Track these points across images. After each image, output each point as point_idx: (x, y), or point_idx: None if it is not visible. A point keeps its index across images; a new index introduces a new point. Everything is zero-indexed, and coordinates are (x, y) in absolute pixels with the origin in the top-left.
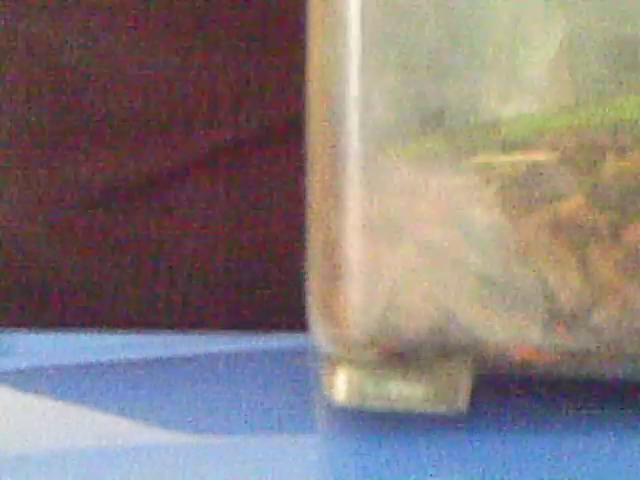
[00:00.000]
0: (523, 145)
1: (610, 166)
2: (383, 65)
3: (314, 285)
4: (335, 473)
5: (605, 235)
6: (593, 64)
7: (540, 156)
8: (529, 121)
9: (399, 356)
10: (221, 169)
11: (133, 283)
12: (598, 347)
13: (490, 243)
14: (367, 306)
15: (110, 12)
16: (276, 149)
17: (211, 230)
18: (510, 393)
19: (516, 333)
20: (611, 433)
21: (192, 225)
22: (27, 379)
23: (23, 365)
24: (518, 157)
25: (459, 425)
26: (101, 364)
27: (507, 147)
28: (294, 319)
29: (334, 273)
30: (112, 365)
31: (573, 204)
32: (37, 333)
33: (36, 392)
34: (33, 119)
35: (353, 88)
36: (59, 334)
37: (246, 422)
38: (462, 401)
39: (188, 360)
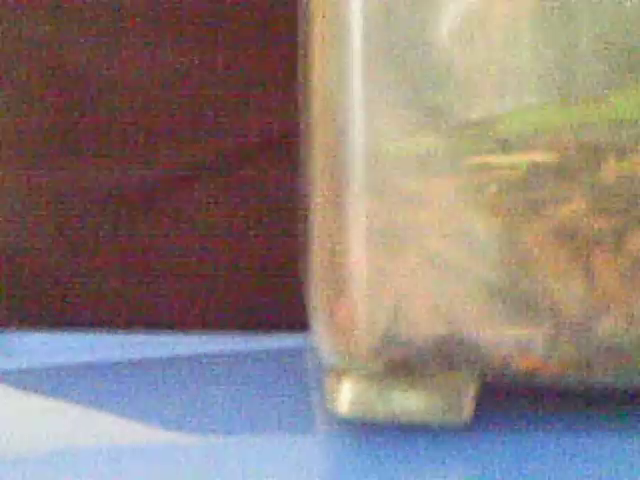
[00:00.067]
0: (522, 144)
1: (611, 169)
2: (385, 77)
3: (318, 297)
4: (335, 473)
5: (608, 243)
6: (593, 63)
7: (539, 157)
8: (528, 119)
9: (404, 367)
10: (224, 175)
11: (133, 283)
12: (602, 357)
13: (493, 253)
14: (372, 318)
15: (118, 18)
16: (279, 156)
17: (213, 233)
18: (514, 403)
19: (520, 344)
20: (615, 444)
21: (195, 228)
22: (27, 379)
23: (23, 365)
24: (517, 158)
25: (462, 434)
26: (101, 364)
27: (506, 147)
28: (294, 319)
29: (339, 285)
30: (112, 365)
31: (574, 208)
32: (37, 333)
33: (36, 392)
34: (38, 125)
35: (356, 101)
36: (59, 334)
37: (246, 422)
38: (467, 412)
39: (188, 360)
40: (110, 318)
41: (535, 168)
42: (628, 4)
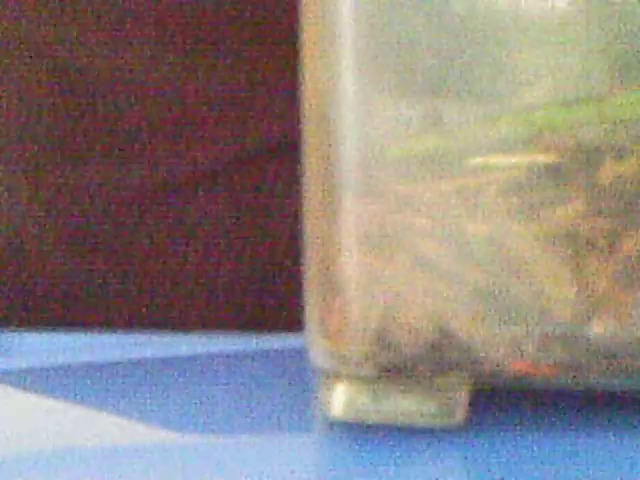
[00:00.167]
0: (521, 144)
1: (608, 170)
2: (378, 80)
3: (311, 301)
4: (334, 473)
5: (602, 245)
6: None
7: (538, 157)
8: (527, 119)
9: (396, 371)
10: (226, 181)
11: (133, 284)
12: (595, 359)
13: (486, 256)
14: (364, 321)
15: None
16: (280, 159)
17: (214, 234)
18: (507, 406)
19: (512, 347)
20: (611, 446)
21: (195, 229)
22: (27, 379)
23: (23, 365)
24: (516, 158)
25: (457, 436)
26: (101, 364)
27: (505, 147)
28: (294, 319)
29: (331, 289)
30: (112, 365)
31: (570, 210)
32: (37, 333)
33: (36, 392)
34: (43, 128)
35: (348, 104)
36: (59, 334)
37: (245, 422)
38: (459, 415)
39: (188, 360)
40: (110, 318)
41: (532, 170)
42: (628, 4)
